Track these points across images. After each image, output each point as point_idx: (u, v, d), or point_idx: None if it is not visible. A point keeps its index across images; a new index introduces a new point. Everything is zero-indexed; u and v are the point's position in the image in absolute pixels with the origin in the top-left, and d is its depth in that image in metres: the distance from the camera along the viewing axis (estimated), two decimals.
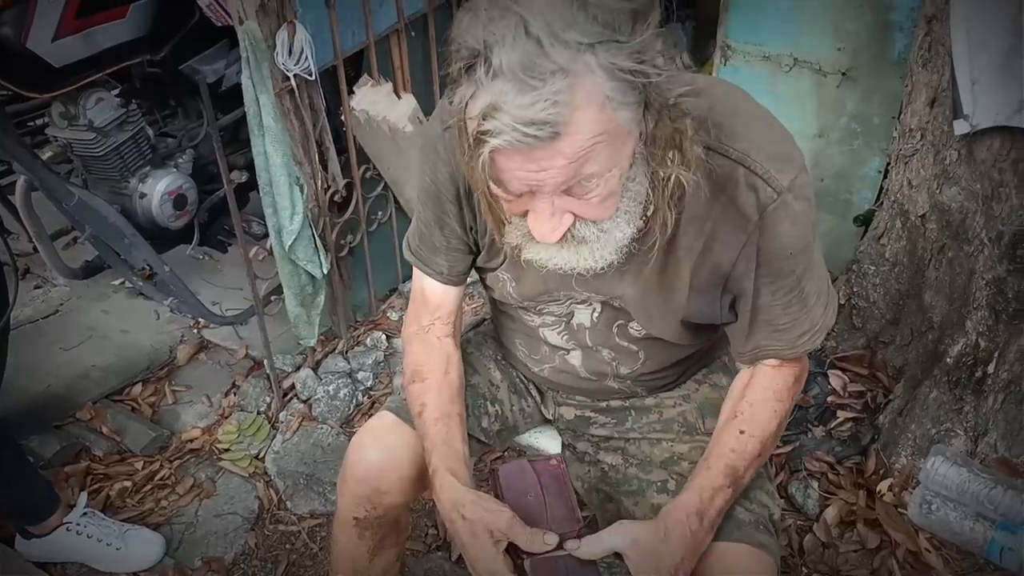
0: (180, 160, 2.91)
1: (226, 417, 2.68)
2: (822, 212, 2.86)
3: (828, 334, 1.29)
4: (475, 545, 1.20)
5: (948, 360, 2.19)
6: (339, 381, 2.67)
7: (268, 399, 2.69)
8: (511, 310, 1.48)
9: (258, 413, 2.66)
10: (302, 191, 2.37)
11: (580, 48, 0.87)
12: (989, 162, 2.05)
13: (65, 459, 2.52)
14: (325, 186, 2.52)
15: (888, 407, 2.37)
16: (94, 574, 2.20)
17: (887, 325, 2.54)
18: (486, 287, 1.44)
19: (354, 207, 2.71)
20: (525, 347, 1.52)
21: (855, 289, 2.58)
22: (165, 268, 2.67)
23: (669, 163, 1.01)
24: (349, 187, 2.65)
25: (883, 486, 2.21)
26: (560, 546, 1.16)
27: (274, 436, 2.58)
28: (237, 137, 3.15)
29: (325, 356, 2.82)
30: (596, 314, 1.36)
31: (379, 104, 2.61)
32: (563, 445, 1.64)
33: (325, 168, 2.51)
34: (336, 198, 2.61)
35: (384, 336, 2.91)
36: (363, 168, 2.71)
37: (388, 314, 3.04)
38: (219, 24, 2.64)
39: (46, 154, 2.65)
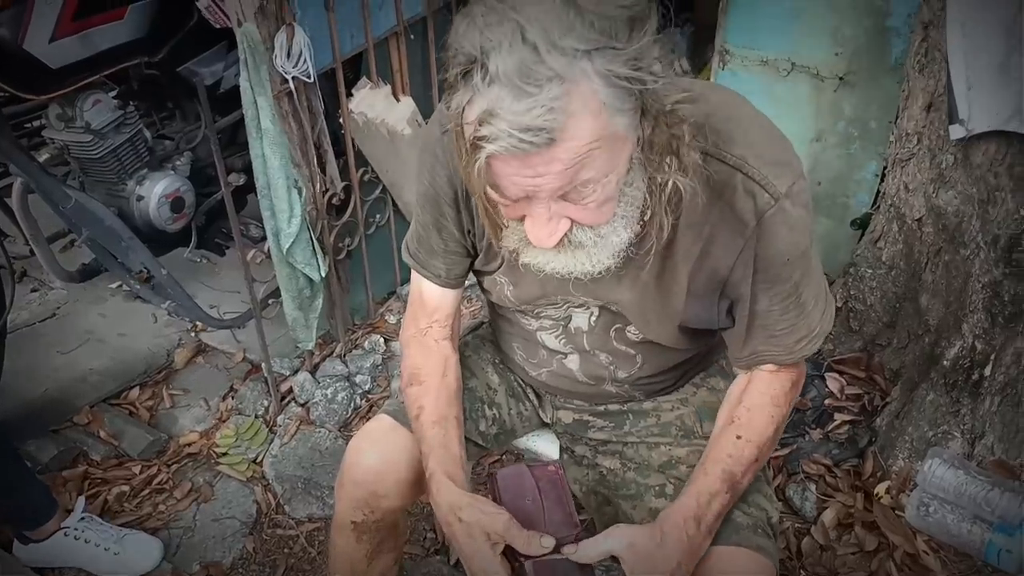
0: (178, 162, 2.91)
1: (224, 421, 2.67)
2: (819, 215, 2.87)
3: (825, 338, 1.29)
4: (472, 548, 1.20)
5: (945, 363, 2.19)
6: (337, 384, 2.67)
7: (266, 403, 2.69)
8: (509, 314, 1.48)
9: (256, 417, 2.66)
10: (300, 194, 2.37)
11: (577, 55, 0.87)
12: (985, 166, 2.05)
13: (62, 463, 2.51)
14: (323, 189, 2.52)
15: (885, 410, 2.38)
16: None
17: (884, 328, 2.54)
18: (484, 290, 1.45)
19: (352, 210, 2.71)
20: (523, 351, 1.52)
21: (852, 292, 2.59)
22: (162, 271, 2.67)
23: (666, 169, 1.02)
24: (347, 190, 2.65)
25: (880, 489, 2.21)
26: (557, 550, 1.16)
27: (272, 440, 2.58)
28: (235, 140, 3.15)
29: (323, 359, 2.82)
30: (594, 318, 1.36)
31: (378, 107, 2.61)
32: (561, 449, 1.64)
33: (323, 171, 2.51)
34: (334, 201, 2.60)
35: (382, 339, 2.91)
36: (361, 171, 2.71)
37: (386, 317, 3.04)
38: (217, 26, 2.64)
39: (43, 156, 2.65)
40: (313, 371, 2.77)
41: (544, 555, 1.16)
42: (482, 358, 1.64)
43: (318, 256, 2.51)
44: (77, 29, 2.44)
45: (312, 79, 2.29)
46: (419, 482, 1.41)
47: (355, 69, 2.68)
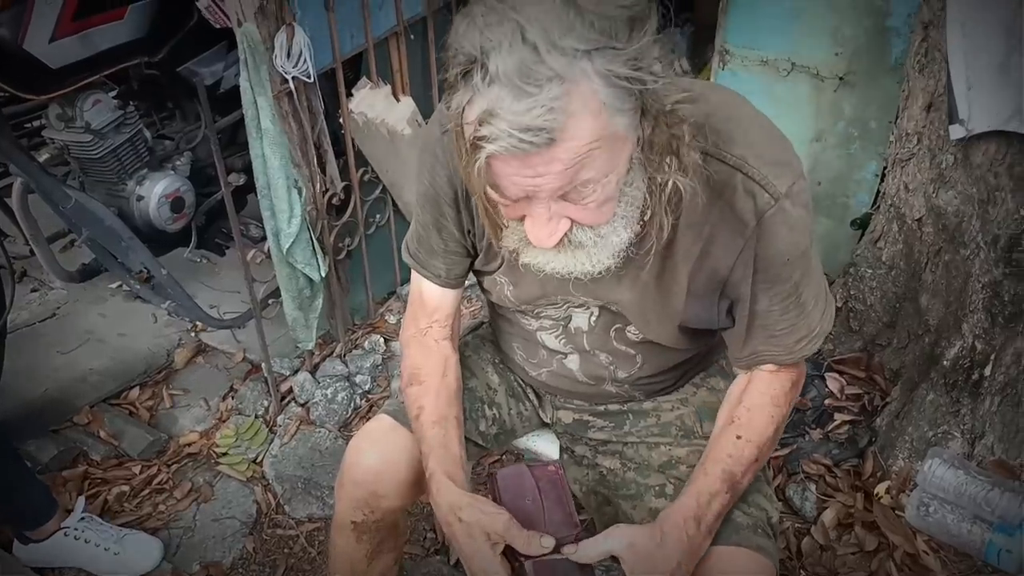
0: (178, 162, 2.91)
1: (224, 421, 2.68)
2: (819, 215, 2.87)
3: (825, 338, 1.29)
4: (472, 548, 1.20)
5: (945, 363, 2.19)
6: (337, 384, 2.67)
7: (266, 403, 2.69)
8: (509, 314, 1.48)
9: (256, 417, 2.66)
10: (300, 194, 2.37)
11: (577, 55, 0.87)
12: (985, 166, 2.05)
13: (62, 463, 2.51)
14: (323, 189, 2.52)
15: (885, 410, 2.38)
16: None
17: (884, 328, 2.54)
18: (483, 290, 1.45)
19: (352, 210, 2.71)
20: (523, 351, 1.52)
21: (852, 292, 2.59)
22: (162, 271, 2.67)
23: (666, 169, 1.02)
24: (347, 190, 2.65)
25: (880, 488, 2.21)
26: (557, 550, 1.16)
27: (272, 440, 2.58)
28: (235, 140, 3.15)
29: (323, 359, 2.82)
30: (594, 318, 1.37)
31: (378, 107, 2.62)
32: (561, 448, 1.64)
33: (323, 171, 2.51)
34: (334, 201, 2.60)
35: (382, 339, 2.91)
36: (361, 171, 2.71)
37: (386, 317, 3.04)
38: (217, 26, 2.64)
39: (43, 156, 2.65)
40: (313, 371, 2.77)
41: (544, 555, 1.16)
42: (482, 358, 1.64)
43: (318, 256, 2.51)
44: (77, 29, 2.44)
45: (312, 79, 2.29)
46: (419, 482, 1.41)
47: (355, 69, 2.68)
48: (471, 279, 1.47)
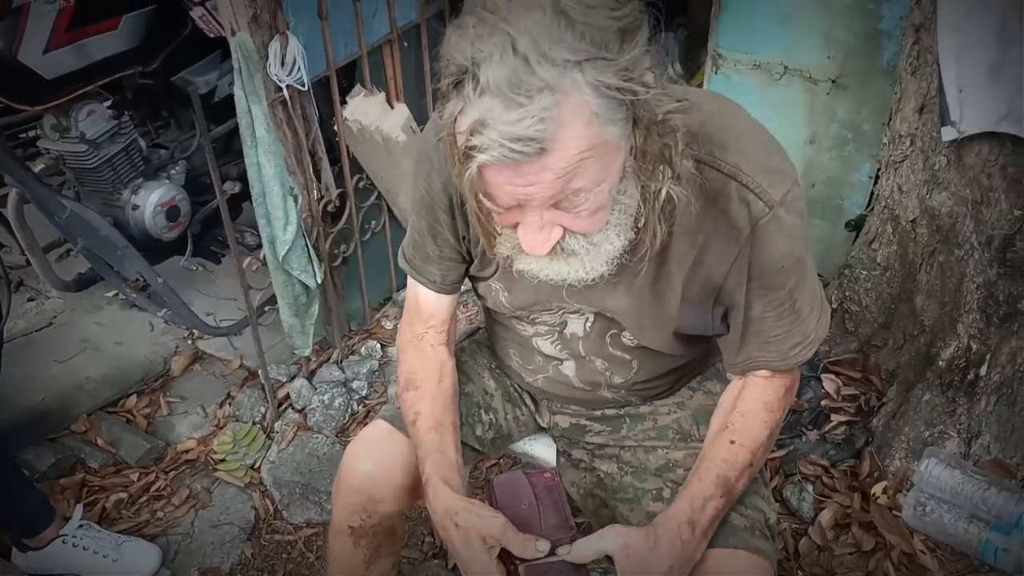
0: (173, 171, 2.91)
1: (221, 428, 2.67)
2: (814, 218, 2.88)
3: (820, 342, 1.30)
4: (468, 552, 1.20)
5: (940, 363, 2.20)
6: (334, 390, 2.67)
7: (263, 409, 2.69)
8: (504, 319, 1.48)
9: (253, 423, 2.66)
10: (295, 201, 2.38)
11: (567, 66, 0.88)
12: (978, 167, 2.06)
13: (60, 471, 2.51)
14: (318, 196, 2.53)
15: (881, 410, 2.39)
16: None
17: (879, 329, 2.55)
18: (479, 296, 1.45)
19: (347, 217, 2.71)
20: (519, 357, 1.52)
21: (847, 294, 2.59)
22: (158, 280, 2.67)
23: (660, 177, 1.02)
24: (342, 197, 2.65)
25: (877, 489, 2.22)
26: (552, 552, 1.17)
27: (269, 446, 2.58)
28: (230, 148, 3.15)
29: (320, 366, 2.82)
30: (589, 324, 1.37)
31: (372, 114, 2.62)
32: (558, 452, 1.64)
33: (318, 178, 2.52)
34: (329, 208, 2.61)
35: (379, 345, 2.91)
36: (356, 178, 2.72)
37: (382, 323, 3.05)
38: (211, 35, 2.66)
39: (38, 166, 2.65)
40: (310, 377, 2.77)
41: (539, 559, 1.16)
42: (478, 363, 1.64)
43: (314, 263, 2.51)
44: (71, 40, 2.45)
45: (306, 87, 2.29)
46: (416, 487, 1.41)
47: (349, 76, 2.68)
48: (467, 284, 1.47)
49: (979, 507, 2.01)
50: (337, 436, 2.59)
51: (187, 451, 2.61)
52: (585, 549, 1.17)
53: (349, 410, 2.66)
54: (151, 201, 2.74)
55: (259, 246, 2.65)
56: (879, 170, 2.55)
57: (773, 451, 2.27)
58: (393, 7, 2.61)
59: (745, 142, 1.14)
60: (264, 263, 2.59)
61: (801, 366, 1.32)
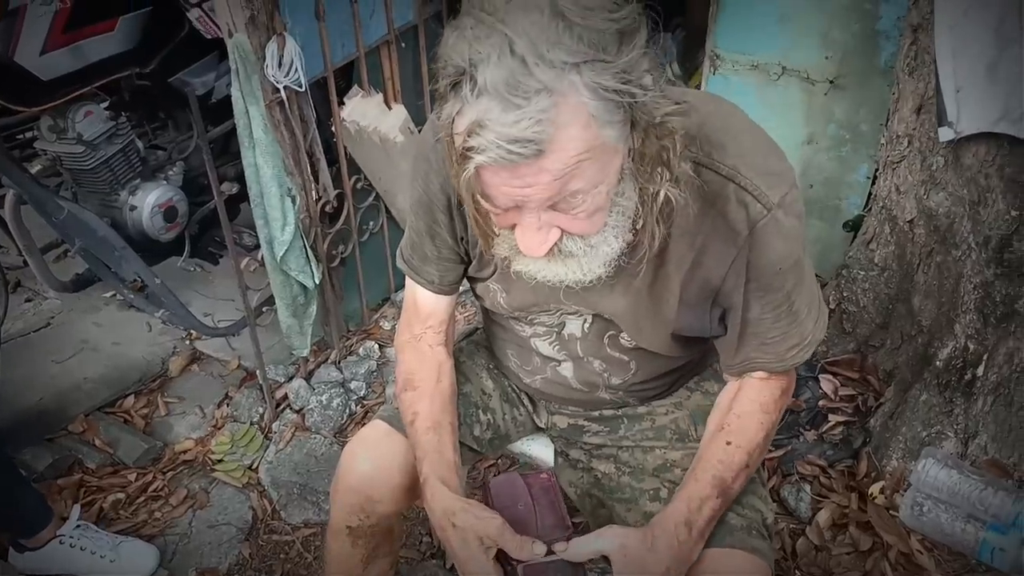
0: (170, 172, 2.91)
1: (219, 428, 2.68)
2: (811, 218, 2.88)
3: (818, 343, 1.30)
4: (466, 552, 1.20)
5: (938, 363, 2.20)
6: (332, 391, 2.67)
7: (261, 410, 2.69)
8: (502, 320, 1.48)
9: (251, 424, 2.66)
10: (293, 202, 2.38)
11: (565, 67, 0.88)
12: (975, 168, 2.06)
13: (58, 472, 2.51)
14: (316, 197, 2.53)
15: (879, 410, 2.39)
16: None
17: (877, 329, 2.55)
18: (477, 296, 1.45)
19: (345, 217, 2.71)
20: (517, 358, 1.53)
21: (845, 294, 2.59)
22: (156, 280, 2.67)
23: (658, 179, 1.02)
24: (340, 198, 2.65)
25: (875, 489, 2.22)
26: (550, 552, 1.17)
27: (267, 446, 2.58)
28: (227, 149, 3.15)
29: (318, 366, 2.82)
30: (587, 325, 1.37)
31: (369, 115, 2.62)
32: (556, 452, 1.65)
33: (316, 179, 2.52)
34: (327, 209, 2.61)
35: (377, 345, 2.91)
36: (354, 179, 2.72)
37: (380, 323, 3.05)
38: (208, 37, 2.65)
39: (35, 168, 2.65)
40: (308, 378, 2.77)
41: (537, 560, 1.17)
42: (476, 363, 1.64)
43: (312, 263, 2.51)
44: (68, 41, 2.45)
45: (303, 88, 2.30)
46: (414, 487, 1.41)
47: (347, 77, 2.68)
48: (465, 284, 1.47)
49: (976, 507, 2.01)
50: (335, 436, 2.59)
51: (185, 451, 2.61)
52: (582, 548, 1.17)
53: (347, 410, 2.66)
54: (148, 202, 2.74)
55: (257, 247, 2.64)
56: (877, 170, 2.55)
57: (771, 451, 2.27)
58: (390, 8, 2.62)
59: (743, 144, 1.14)
60: (262, 264, 2.59)
61: (798, 368, 1.32)
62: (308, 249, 2.49)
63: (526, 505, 1.24)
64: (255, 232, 2.48)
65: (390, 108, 2.70)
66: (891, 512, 2.16)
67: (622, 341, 1.36)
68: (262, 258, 2.53)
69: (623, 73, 0.90)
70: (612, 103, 0.91)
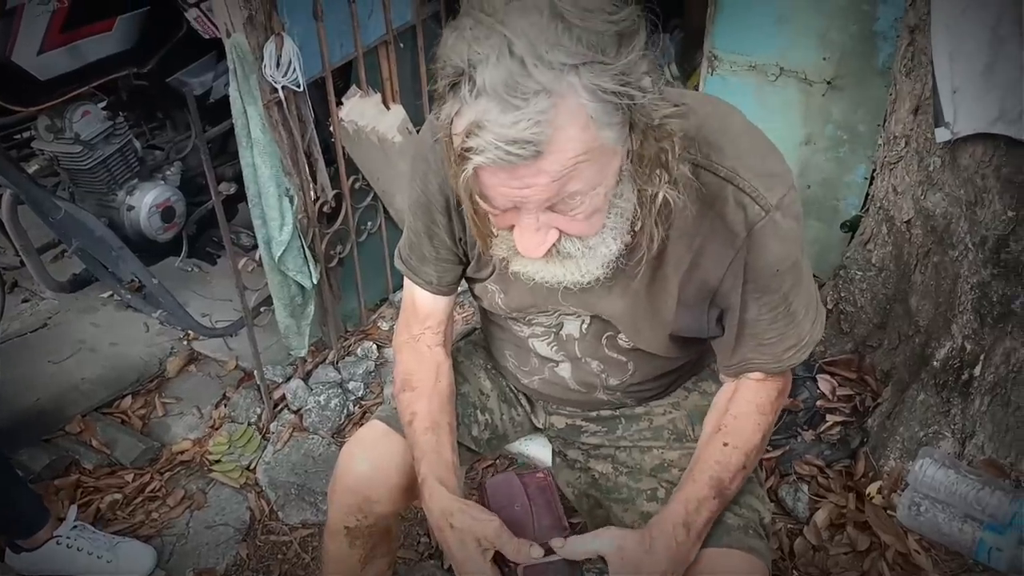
0: (168, 172, 2.91)
1: (216, 428, 2.67)
2: (809, 218, 2.88)
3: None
4: (463, 553, 1.20)
5: (935, 363, 2.20)
6: (330, 391, 2.67)
7: (259, 410, 2.69)
8: (501, 320, 1.48)
9: (249, 424, 2.65)
10: (291, 202, 2.38)
11: (564, 69, 0.88)
12: (972, 168, 2.07)
13: (55, 472, 2.51)
14: (314, 197, 2.53)
15: (876, 410, 2.39)
16: None
17: (874, 329, 2.55)
18: (475, 297, 1.45)
19: (343, 218, 2.71)
20: (515, 358, 1.53)
21: (842, 294, 2.60)
22: (153, 281, 2.67)
23: (656, 181, 1.02)
24: (338, 198, 2.65)
25: (872, 489, 2.22)
26: (548, 551, 1.17)
27: (265, 447, 2.58)
28: (225, 149, 3.15)
29: (316, 366, 2.82)
30: (585, 326, 1.37)
31: (368, 115, 2.62)
32: (553, 452, 1.64)
33: (314, 179, 2.51)
34: (325, 209, 2.61)
35: (375, 346, 2.91)
36: (352, 179, 2.72)
37: (379, 324, 3.05)
38: (206, 36, 2.65)
39: (32, 168, 2.65)
40: (306, 378, 2.77)
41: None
42: (475, 364, 1.64)
43: (310, 264, 2.51)
44: (65, 41, 2.44)
45: (301, 88, 2.29)
46: (411, 488, 1.41)
47: (345, 77, 2.68)
48: (463, 285, 1.47)
49: (973, 507, 2.01)
50: (333, 437, 2.59)
51: (182, 452, 2.61)
52: (579, 546, 1.17)
53: (345, 411, 2.66)
54: (146, 202, 2.74)
55: (255, 247, 2.64)
56: (874, 171, 2.56)
57: (768, 451, 2.27)
58: (389, 8, 2.62)
59: (741, 145, 1.14)
60: (260, 264, 2.59)
61: (795, 368, 1.32)
62: (306, 249, 2.49)
63: (523, 505, 1.24)
64: (253, 232, 2.48)
65: (388, 108, 2.70)
66: (888, 512, 2.16)
67: (620, 342, 1.36)
68: (260, 258, 2.52)
69: (622, 75, 0.90)
70: (611, 105, 0.91)
